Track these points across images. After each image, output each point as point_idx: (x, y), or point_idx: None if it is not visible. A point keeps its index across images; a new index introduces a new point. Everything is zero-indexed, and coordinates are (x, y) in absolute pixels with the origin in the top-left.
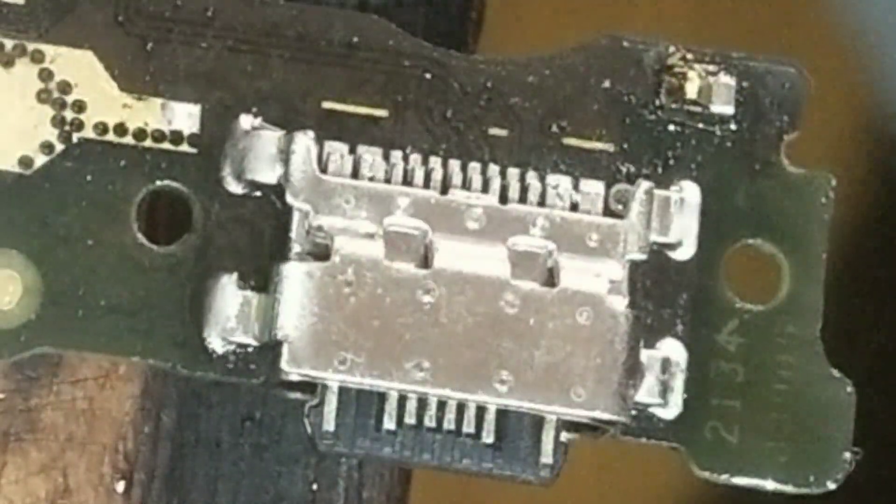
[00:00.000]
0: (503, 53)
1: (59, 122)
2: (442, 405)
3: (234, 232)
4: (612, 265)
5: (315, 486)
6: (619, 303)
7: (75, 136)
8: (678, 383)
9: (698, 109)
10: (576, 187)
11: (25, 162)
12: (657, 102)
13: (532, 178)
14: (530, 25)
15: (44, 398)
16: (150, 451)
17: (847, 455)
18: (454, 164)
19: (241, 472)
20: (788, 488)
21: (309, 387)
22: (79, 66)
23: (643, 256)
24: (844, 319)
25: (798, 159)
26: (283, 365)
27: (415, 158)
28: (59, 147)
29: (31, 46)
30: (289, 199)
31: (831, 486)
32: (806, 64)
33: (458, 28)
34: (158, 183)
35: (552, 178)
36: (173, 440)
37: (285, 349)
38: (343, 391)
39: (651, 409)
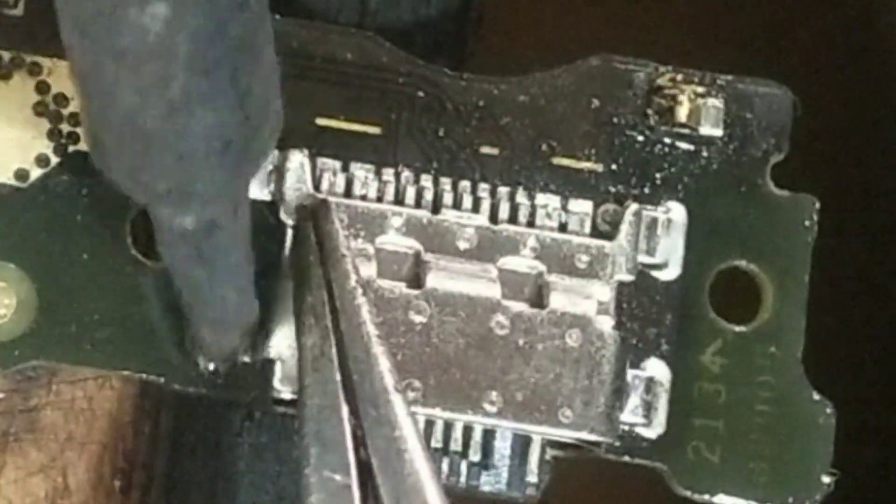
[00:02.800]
0: (499, 70)
1: (55, 134)
2: (430, 423)
3: None
4: (601, 286)
5: None
6: (607, 324)
7: (71, 149)
8: (662, 403)
9: (687, 131)
10: (564, 207)
11: (21, 175)
12: (646, 123)
13: (522, 197)
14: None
15: (43, 398)
16: (149, 450)
17: (826, 477)
18: (445, 183)
19: (241, 472)
20: None
21: None
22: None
23: (631, 277)
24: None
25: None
26: (276, 383)
27: (406, 176)
28: (55, 160)
29: (28, 59)
30: (282, 216)
31: None
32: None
33: (458, 28)
34: None
35: (541, 198)
36: (173, 440)
37: (278, 367)
38: None
39: (635, 429)
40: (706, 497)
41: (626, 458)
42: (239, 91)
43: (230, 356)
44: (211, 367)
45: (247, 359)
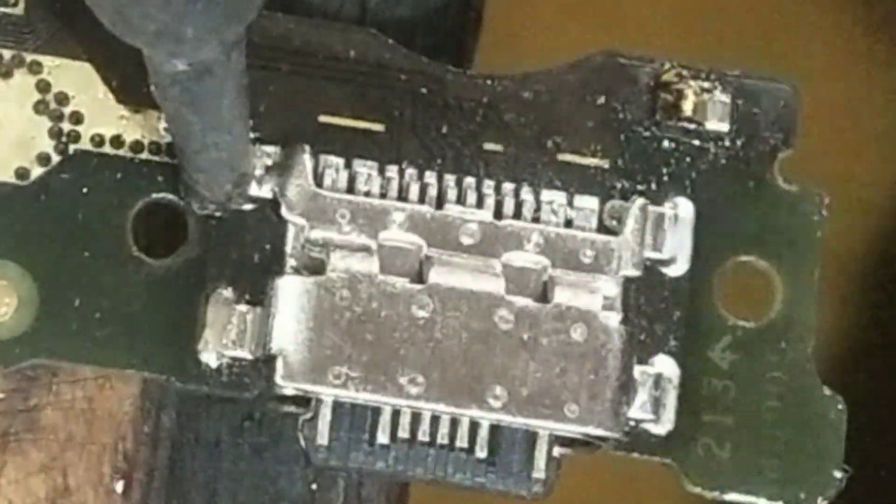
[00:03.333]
0: (499, 69)
1: (56, 133)
2: (435, 420)
3: (230, 245)
4: (607, 281)
5: (315, 486)
6: (613, 319)
7: (72, 148)
8: (671, 399)
9: (693, 126)
10: (570, 203)
11: (22, 173)
12: (652, 119)
13: (527, 193)
14: (527, 40)
15: (43, 398)
16: (149, 451)
17: (837, 473)
18: (449, 179)
19: (241, 472)
20: None
21: (303, 400)
22: (76, 78)
23: (637, 273)
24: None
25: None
26: (278, 379)
27: (410, 173)
28: (56, 158)
29: (29, 57)
30: (284, 213)
31: (822, 503)
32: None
33: (458, 28)
34: (154, 195)
35: (547, 194)
36: (173, 440)
37: (280, 363)
38: (337, 405)
39: (643, 425)
40: (716, 494)
41: (636, 455)
42: None
43: (223, 202)
44: (206, 360)
45: (249, 355)
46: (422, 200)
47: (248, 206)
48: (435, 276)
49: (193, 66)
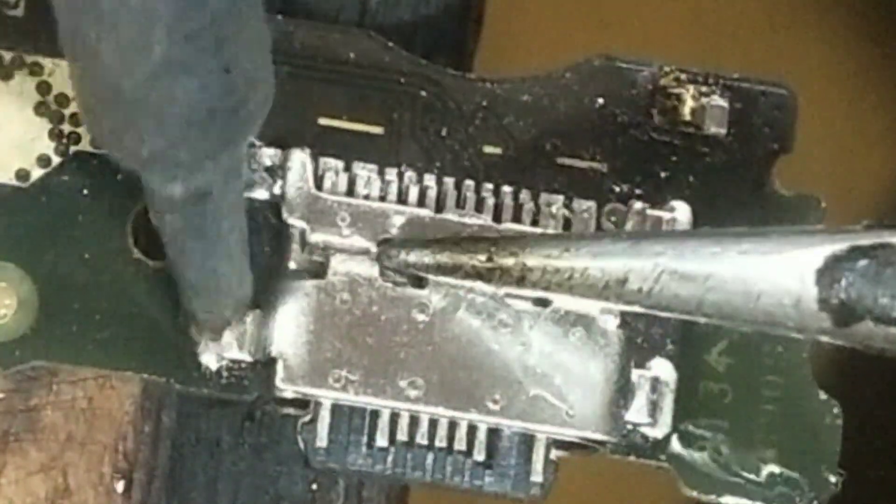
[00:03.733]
0: (499, 72)
1: (56, 135)
2: (433, 423)
3: None
4: None
5: (315, 486)
6: (611, 323)
7: (72, 150)
8: (667, 403)
9: (691, 130)
10: (568, 206)
11: (22, 175)
12: (650, 123)
13: (525, 196)
14: (526, 44)
15: (44, 398)
16: (150, 450)
17: (832, 477)
18: (448, 182)
19: (241, 472)
20: None
21: (302, 403)
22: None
23: None
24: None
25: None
26: (278, 382)
27: (409, 176)
28: (56, 160)
29: (29, 59)
30: (285, 216)
31: None
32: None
33: (458, 28)
34: None
35: (545, 197)
36: (173, 440)
37: (280, 366)
38: (336, 408)
39: (640, 428)
40: (712, 497)
41: (632, 458)
42: (223, 60)
43: (222, 328)
44: (206, 362)
45: (249, 358)
46: (421, 203)
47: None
48: (434, 279)
49: (190, 191)
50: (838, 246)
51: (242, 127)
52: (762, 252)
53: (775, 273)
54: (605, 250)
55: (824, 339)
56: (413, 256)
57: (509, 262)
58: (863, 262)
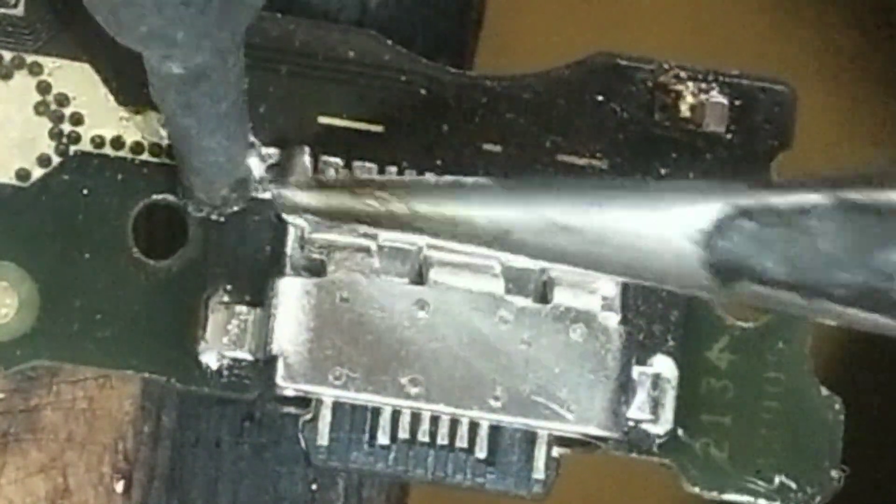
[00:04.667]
0: (499, 70)
1: (56, 134)
2: (435, 420)
3: (230, 246)
4: (605, 282)
5: (315, 486)
6: (612, 319)
7: (72, 149)
8: (669, 399)
9: (691, 127)
10: None
11: (22, 174)
12: (650, 120)
13: None
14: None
15: (44, 398)
16: (150, 451)
17: (835, 473)
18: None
19: (241, 472)
20: None
21: (303, 401)
22: (77, 79)
23: None
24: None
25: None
26: (279, 380)
27: (410, 174)
28: (57, 160)
29: (29, 58)
30: (284, 214)
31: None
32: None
33: (458, 28)
34: (155, 197)
35: None
36: (173, 440)
37: (280, 364)
38: (337, 406)
39: (642, 425)
40: (714, 494)
41: (634, 455)
42: None
43: (220, 206)
44: (206, 361)
45: (249, 356)
46: None
47: (246, 206)
48: (435, 276)
49: (188, 70)
50: (723, 206)
51: (241, 7)
52: (649, 207)
53: (660, 230)
54: (493, 200)
55: (705, 295)
56: (304, 197)
57: (399, 207)
58: (746, 223)
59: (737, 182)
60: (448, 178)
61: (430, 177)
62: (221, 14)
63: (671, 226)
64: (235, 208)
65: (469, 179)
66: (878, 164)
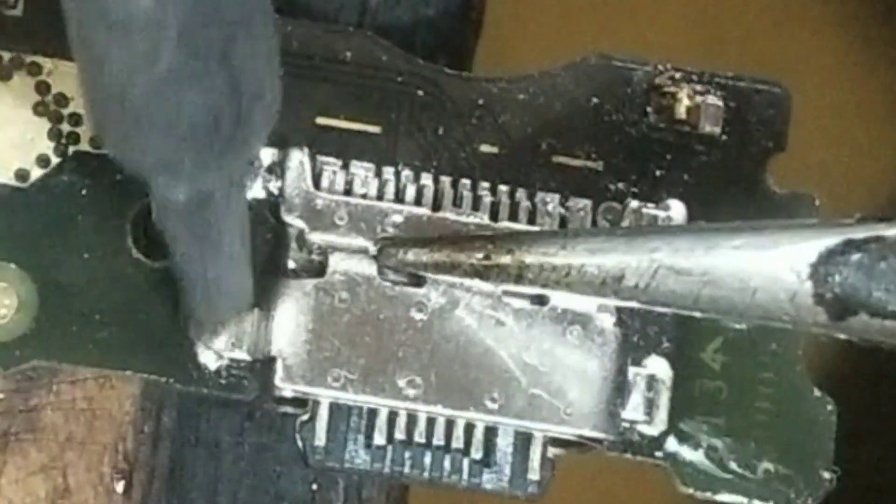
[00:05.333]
0: (497, 71)
1: (55, 135)
2: (431, 421)
3: None
4: None
5: (315, 486)
6: (608, 321)
7: (71, 149)
8: (663, 400)
9: (686, 129)
10: (564, 204)
11: (21, 175)
12: (645, 121)
13: (522, 195)
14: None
15: (44, 398)
16: (150, 450)
17: (827, 474)
18: (445, 181)
19: (241, 472)
20: None
21: (300, 402)
22: (75, 80)
23: None
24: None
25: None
26: (277, 381)
27: (407, 175)
28: (55, 160)
29: (28, 59)
30: (283, 215)
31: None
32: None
33: (458, 28)
34: None
35: (541, 196)
36: (173, 440)
37: (279, 365)
38: (334, 407)
39: (637, 426)
40: (708, 494)
41: (629, 456)
42: (231, 71)
43: (220, 329)
44: (205, 362)
45: (248, 357)
46: (418, 202)
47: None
48: (432, 278)
49: (194, 197)
50: (832, 240)
51: (248, 136)
52: (757, 247)
53: (770, 267)
54: (602, 247)
55: (820, 332)
56: (411, 255)
57: (506, 259)
58: (856, 256)
59: (845, 218)
60: (555, 229)
61: (536, 229)
62: (229, 141)
63: (781, 262)
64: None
65: (576, 230)
66: None
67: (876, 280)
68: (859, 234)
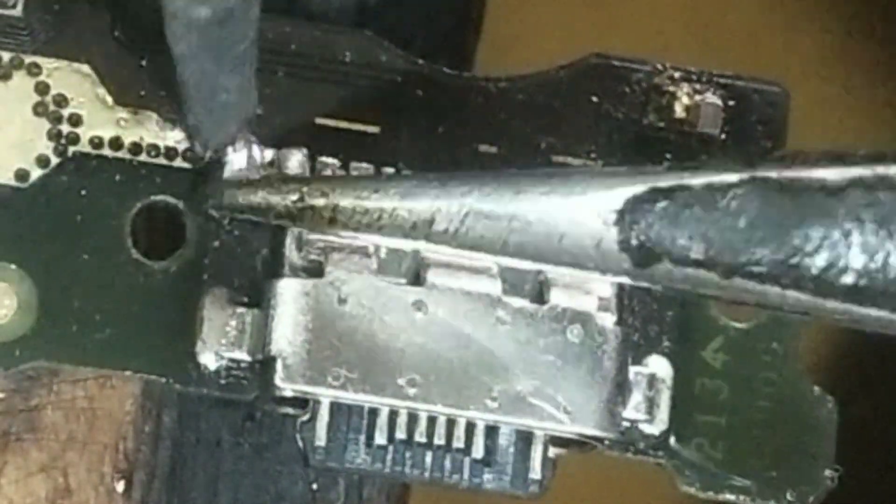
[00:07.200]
0: (496, 71)
1: (55, 135)
2: (432, 421)
3: (228, 247)
4: (601, 282)
5: (315, 486)
6: (608, 320)
7: (71, 150)
8: (664, 399)
9: (685, 128)
10: None
11: (21, 175)
12: (644, 121)
13: None
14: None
15: (44, 398)
16: (150, 450)
17: (828, 472)
18: None
19: (241, 472)
20: None
21: (300, 402)
22: (75, 80)
23: None
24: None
25: None
26: (277, 381)
27: (406, 175)
28: (55, 160)
29: (27, 59)
30: None
31: (812, 502)
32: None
33: (458, 28)
34: (153, 197)
35: None
36: (174, 440)
37: (279, 365)
38: (334, 406)
39: (637, 425)
40: (709, 493)
41: (630, 455)
42: None
43: (226, 145)
44: (205, 362)
45: (248, 357)
46: None
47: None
48: (432, 277)
49: (216, 13)
50: (639, 187)
51: None
52: (564, 192)
53: (577, 213)
54: (414, 191)
55: (625, 279)
56: (228, 197)
57: (320, 202)
58: (662, 204)
59: (654, 165)
60: (367, 173)
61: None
62: None
63: (586, 208)
64: (239, 149)
65: (388, 173)
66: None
67: (680, 228)
68: (666, 182)
